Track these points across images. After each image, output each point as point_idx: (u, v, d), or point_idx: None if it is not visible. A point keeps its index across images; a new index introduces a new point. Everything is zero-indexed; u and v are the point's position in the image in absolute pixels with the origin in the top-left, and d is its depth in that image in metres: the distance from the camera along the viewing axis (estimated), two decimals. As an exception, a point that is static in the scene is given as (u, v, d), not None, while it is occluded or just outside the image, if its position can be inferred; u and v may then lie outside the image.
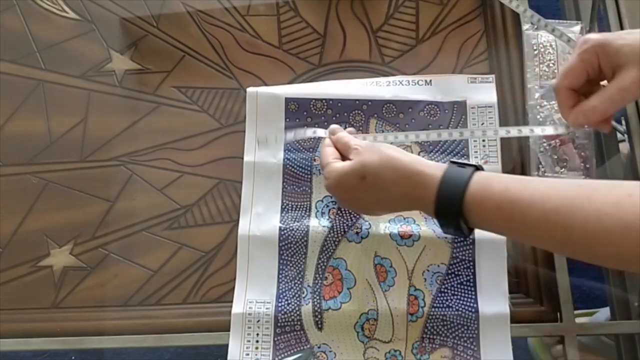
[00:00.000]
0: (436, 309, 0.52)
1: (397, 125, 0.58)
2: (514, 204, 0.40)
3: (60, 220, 0.58)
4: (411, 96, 0.59)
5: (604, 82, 0.47)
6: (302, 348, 0.52)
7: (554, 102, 0.57)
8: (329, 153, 0.51)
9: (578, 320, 0.53)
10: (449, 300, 0.53)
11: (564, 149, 0.56)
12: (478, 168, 0.44)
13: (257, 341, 0.53)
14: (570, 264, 0.54)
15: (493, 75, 0.59)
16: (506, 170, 0.56)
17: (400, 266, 0.54)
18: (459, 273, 0.54)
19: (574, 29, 0.60)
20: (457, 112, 0.58)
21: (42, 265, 0.57)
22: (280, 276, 0.55)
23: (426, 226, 0.55)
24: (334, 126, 0.55)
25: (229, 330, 0.53)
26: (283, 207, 0.57)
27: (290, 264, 0.55)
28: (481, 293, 0.53)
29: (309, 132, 0.57)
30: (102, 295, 0.56)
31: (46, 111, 0.62)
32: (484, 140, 0.57)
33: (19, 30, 0.65)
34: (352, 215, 0.55)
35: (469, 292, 0.53)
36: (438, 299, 0.53)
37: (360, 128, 0.58)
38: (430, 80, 0.60)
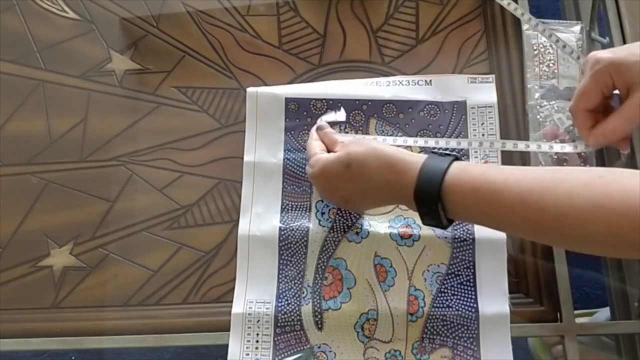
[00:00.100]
0: (436, 309, 0.52)
1: (397, 125, 0.58)
2: (490, 186, 0.42)
3: (60, 220, 0.58)
4: (411, 96, 0.59)
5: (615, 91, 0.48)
6: (302, 348, 0.52)
7: (554, 102, 0.57)
8: (316, 146, 0.53)
9: (578, 320, 0.53)
10: (449, 300, 0.53)
11: (564, 149, 0.56)
12: (458, 158, 0.46)
13: (257, 341, 0.53)
14: (570, 264, 0.54)
15: (493, 75, 0.59)
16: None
17: (400, 266, 0.54)
18: (459, 273, 0.54)
19: (574, 29, 0.60)
20: (457, 112, 0.58)
21: (42, 265, 0.57)
22: (280, 276, 0.55)
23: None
24: (321, 122, 0.56)
25: (229, 330, 0.53)
26: (283, 207, 0.57)
27: (290, 264, 0.55)
28: (481, 293, 0.53)
29: (330, 117, 0.58)
30: (102, 295, 0.56)
31: (46, 111, 0.62)
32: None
33: (19, 30, 0.65)
34: (352, 216, 0.55)
35: (469, 292, 0.53)
36: (438, 299, 0.53)
37: (360, 128, 0.58)
38: (430, 80, 0.60)
